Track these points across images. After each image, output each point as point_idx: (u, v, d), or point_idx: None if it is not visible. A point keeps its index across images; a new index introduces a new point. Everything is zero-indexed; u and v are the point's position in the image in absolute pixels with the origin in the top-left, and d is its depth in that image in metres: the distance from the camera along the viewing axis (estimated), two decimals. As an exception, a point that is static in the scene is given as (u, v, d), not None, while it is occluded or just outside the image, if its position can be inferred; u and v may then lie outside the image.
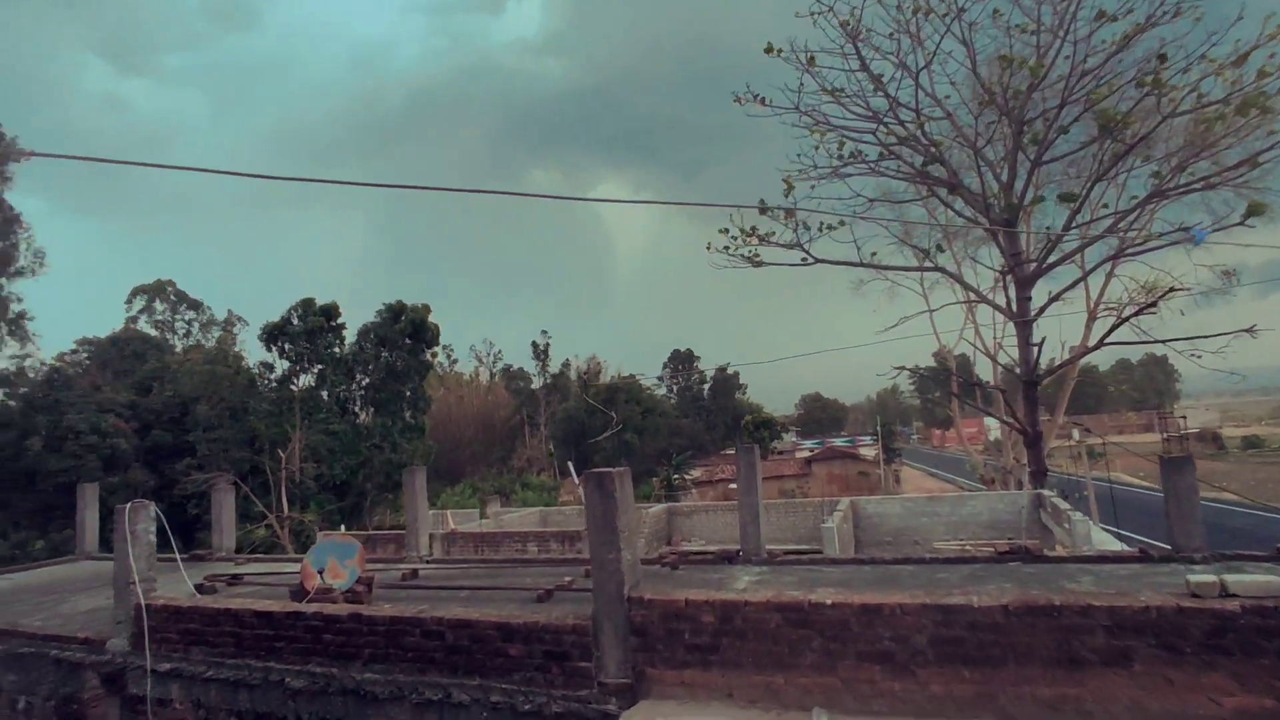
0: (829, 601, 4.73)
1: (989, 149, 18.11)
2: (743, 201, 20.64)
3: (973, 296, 22.99)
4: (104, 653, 7.64)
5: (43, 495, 29.98)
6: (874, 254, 19.76)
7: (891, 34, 17.27)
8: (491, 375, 73.27)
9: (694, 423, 74.75)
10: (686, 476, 57.10)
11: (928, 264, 21.05)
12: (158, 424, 32.85)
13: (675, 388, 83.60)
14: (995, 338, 25.44)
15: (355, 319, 35.74)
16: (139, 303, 44.26)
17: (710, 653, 5.07)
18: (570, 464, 29.29)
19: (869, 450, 64.97)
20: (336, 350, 34.91)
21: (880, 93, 17.81)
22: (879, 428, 65.61)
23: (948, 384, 29.81)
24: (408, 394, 35.21)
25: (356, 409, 36.00)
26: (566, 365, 69.41)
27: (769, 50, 17.81)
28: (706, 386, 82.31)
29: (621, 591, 5.41)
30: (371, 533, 20.82)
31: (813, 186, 18.72)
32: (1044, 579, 7.19)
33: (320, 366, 34.28)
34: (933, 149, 18.14)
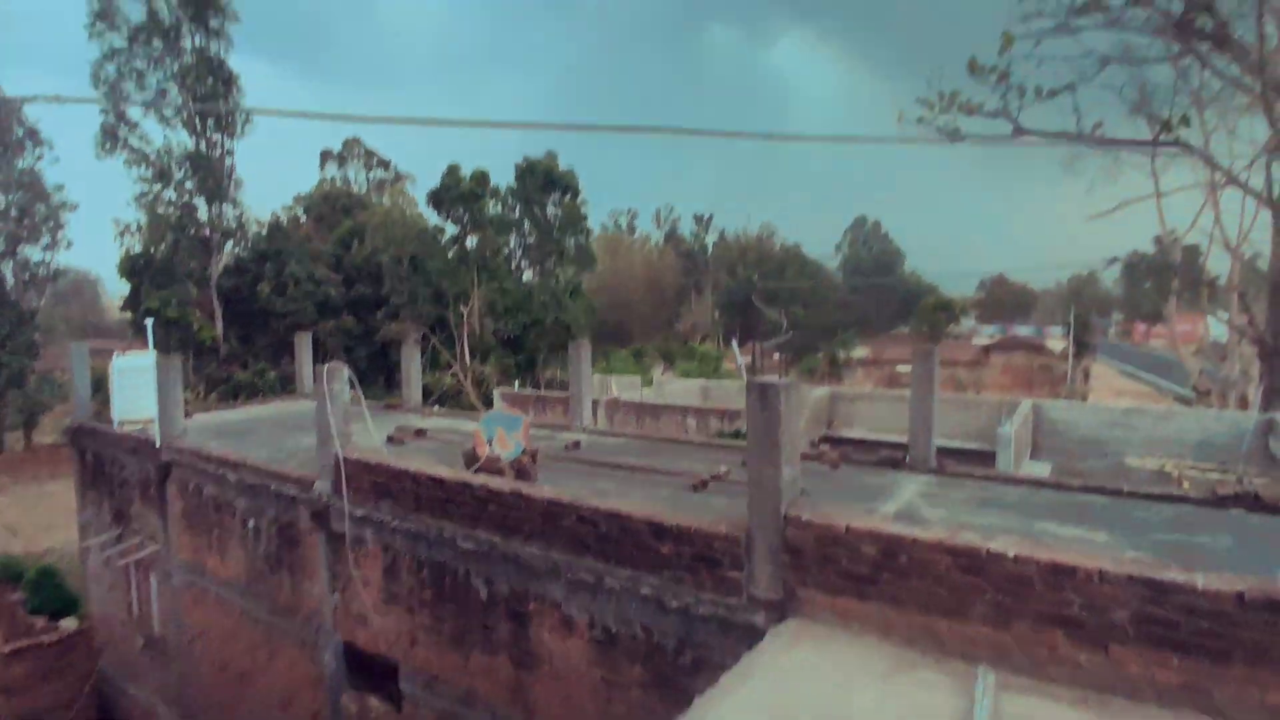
0: (1010, 554, 4.25)
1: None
2: (942, 55, 18.11)
3: (1219, 178, 19.31)
4: (312, 492, 8.69)
5: (275, 333, 34.51)
6: (1099, 125, 16.86)
7: None
8: (666, 238, 74.11)
9: (863, 299, 71.96)
10: (852, 355, 55.59)
11: (1167, 137, 17.74)
12: (359, 278, 36.20)
13: (846, 260, 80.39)
14: (1241, 228, 21.55)
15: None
16: (330, 168, 48.05)
17: (868, 584, 4.80)
18: (734, 340, 29.05)
19: (1057, 343, 59.33)
20: (498, 211, 36.33)
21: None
22: (1072, 318, 59.40)
23: (1169, 278, 25.85)
24: (563, 250, 36.27)
25: (523, 267, 37.76)
26: (715, 238, 70.38)
27: None
28: (869, 257, 78.97)
29: (778, 509, 5.21)
30: (542, 393, 22.09)
31: (1036, 43, 15.99)
32: (1277, 538, 6.17)
33: (482, 229, 35.79)
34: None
